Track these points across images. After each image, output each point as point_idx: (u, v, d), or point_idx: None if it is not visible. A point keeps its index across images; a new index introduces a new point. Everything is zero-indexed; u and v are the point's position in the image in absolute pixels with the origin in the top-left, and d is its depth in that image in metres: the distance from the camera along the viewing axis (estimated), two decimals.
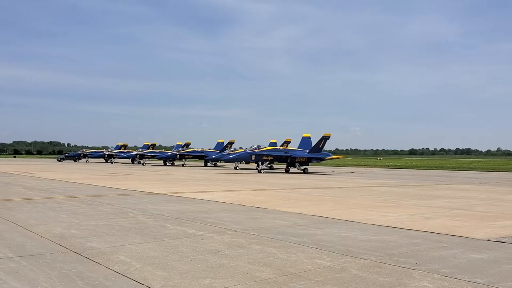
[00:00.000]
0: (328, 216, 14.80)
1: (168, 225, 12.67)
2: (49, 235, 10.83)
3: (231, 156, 56.85)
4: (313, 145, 56.24)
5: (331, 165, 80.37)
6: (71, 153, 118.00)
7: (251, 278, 7.30)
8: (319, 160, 56.96)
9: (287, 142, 67.75)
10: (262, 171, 51.42)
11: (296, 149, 58.05)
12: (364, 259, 8.74)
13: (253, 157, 52.83)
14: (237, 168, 62.19)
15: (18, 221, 12.83)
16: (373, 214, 15.71)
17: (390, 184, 34.14)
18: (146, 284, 6.90)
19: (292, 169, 54.89)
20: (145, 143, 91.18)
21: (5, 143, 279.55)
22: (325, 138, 54.59)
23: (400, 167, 79.96)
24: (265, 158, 53.12)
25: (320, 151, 55.26)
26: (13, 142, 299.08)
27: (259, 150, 53.21)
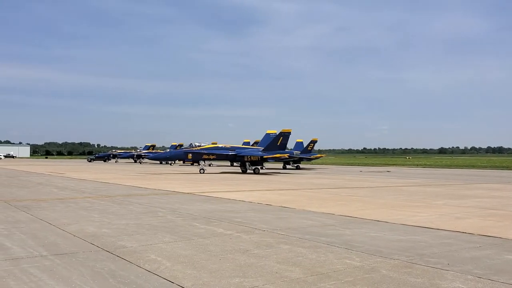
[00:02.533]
0: (357, 216, 14.66)
1: (197, 224, 12.78)
2: (82, 234, 11.07)
3: (163, 155, 55.02)
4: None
5: (319, 163, 79.58)
6: (101, 154, 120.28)
7: (280, 278, 7.30)
8: (276, 159, 53.12)
9: (313, 142, 67.99)
10: (202, 171, 47.50)
11: (247, 147, 54.75)
12: (394, 259, 8.62)
13: (190, 155, 48.86)
14: (171, 164, 59.54)
15: (51, 221, 13.15)
16: (402, 214, 15.49)
17: (419, 183, 33.59)
18: (176, 283, 6.98)
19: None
20: (172, 143, 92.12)
21: (37, 144, 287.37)
22: (283, 135, 51.16)
23: (430, 166, 78.59)
24: (205, 156, 48.60)
25: (283, 149, 51.77)
26: (45, 143, 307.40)
27: (199, 148, 48.79)
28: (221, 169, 60.67)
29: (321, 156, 75.79)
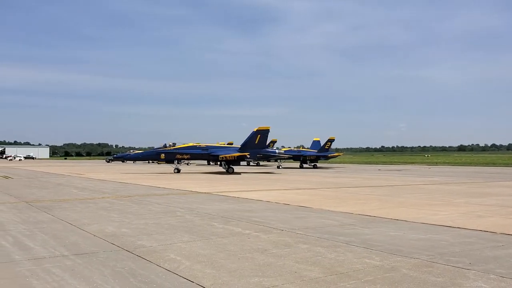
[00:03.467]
0: (375, 215, 14.54)
1: (215, 223, 12.82)
2: (102, 234, 11.19)
3: (135, 155, 54.00)
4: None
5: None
6: (119, 154, 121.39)
7: (299, 277, 7.28)
8: (255, 158, 52.40)
9: (330, 140, 67.65)
10: (176, 170, 47.32)
11: (224, 146, 52.81)
12: (414, 259, 8.53)
13: (163, 155, 48.13)
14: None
15: (72, 221, 13.32)
16: (422, 212, 15.31)
17: (439, 181, 33.18)
18: (196, 282, 7.01)
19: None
20: (189, 144, 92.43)
21: (56, 146, 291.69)
22: (261, 132, 49.03)
23: (449, 164, 77.61)
24: (179, 156, 48.24)
25: (262, 147, 49.53)
26: (64, 144, 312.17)
27: (172, 148, 48.27)
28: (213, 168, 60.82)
29: (339, 155, 75.41)
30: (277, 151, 54.52)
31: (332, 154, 70.17)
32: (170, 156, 48.30)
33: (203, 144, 50.15)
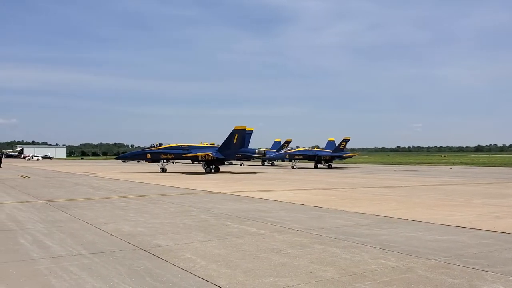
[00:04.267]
0: (391, 216, 14.44)
1: (230, 223, 12.86)
2: (118, 233, 11.31)
3: (125, 155, 55.84)
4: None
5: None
6: (121, 155, 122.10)
7: (314, 278, 7.27)
8: (234, 158, 52.52)
9: (345, 140, 67.15)
10: (162, 170, 48.32)
11: (204, 146, 52.21)
12: (431, 260, 8.46)
13: (149, 155, 49.50)
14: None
15: (89, 220, 13.48)
16: (439, 213, 15.16)
17: (456, 182, 32.81)
18: (212, 282, 7.05)
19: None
20: (204, 144, 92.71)
21: (73, 146, 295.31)
22: (237, 132, 48.01)
23: (466, 165, 76.69)
24: (163, 156, 49.29)
25: (241, 147, 48.72)
26: (80, 144, 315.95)
27: (158, 148, 49.40)
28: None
29: (354, 155, 74.57)
30: (256, 150, 52.87)
31: (347, 154, 69.32)
32: (155, 156, 49.82)
33: (185, 144, 51.12)
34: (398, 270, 7.74)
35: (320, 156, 66.08)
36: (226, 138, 48.57)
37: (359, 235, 11.04)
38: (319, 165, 65.60)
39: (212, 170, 48.72)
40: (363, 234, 11.11)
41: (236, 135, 47.81)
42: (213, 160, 48.59)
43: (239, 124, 48.66)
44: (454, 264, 8.14)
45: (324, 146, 72.72)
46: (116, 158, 66.16)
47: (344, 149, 68.20)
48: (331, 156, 66.12)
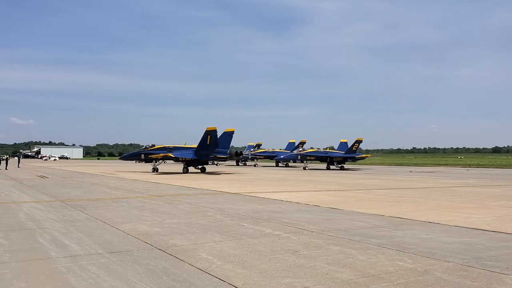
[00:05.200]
0: (408, 218, 14.33)
1: (245, 224, 12.89)
2: (135, 232, 11.41)
3: (125, 156, 57.71)
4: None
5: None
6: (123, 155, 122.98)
7: (330, 279, 7.25)
8: (209, 159, 53.69)
9: (358, 142, 66.08)
10: (153, 169, 50.44)
11: (185, 147, 52.83)
12: (448, 262, 8.37)
13: (142, 156, 52.07)
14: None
15: (106, 220, 13.62)
16: (455, 215, 15.00)
17: (473, 184, 32.41)
18: (228, 282, 7.08)
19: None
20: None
21: (89, 146, 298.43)
22: (210, 133, 49.00)
23: (483, 166, 75.70)
24: (153, 156, 51.04)
25: (215, 147, 49.48)
26: (97, 145, 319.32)
27: (149, 149, 51.86)
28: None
29: (367, 156, 73.24)
30: (227, 151, 52.77)
31: (359, 156, 67.84)
32: (147, 156, 52.30)
33: (171, 146, 52.77)
34: (415, 272, 7.68)
35: (333, 158, 65.36)
36: (201, 139, 49.81)
37: (375, 236, 10.98)
38: (332, 167, 64.98)
39: (189, 171, 50.40)
40: (379, 236, 11.05)
41: (209, 136, 49.04)
42: (191, 161, 50.38)
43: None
44: (472, 266, 8.05)
45: (337, 148, 72.20)
46: (120, 159, 68.56)
47: (357, 151, 67.34)
48: (343, 157, 65.13)
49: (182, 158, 49.96)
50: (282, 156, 69.81)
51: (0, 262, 8.25)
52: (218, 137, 49.54)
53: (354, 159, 67.76)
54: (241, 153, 57.95)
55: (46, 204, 17.84)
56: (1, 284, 6.93)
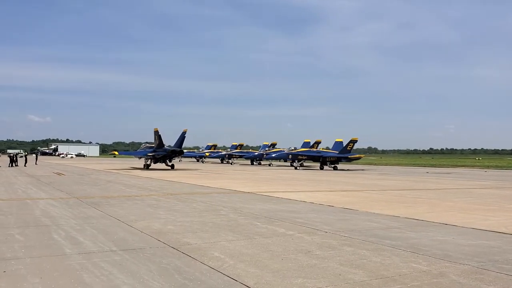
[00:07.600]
0: (423, 219, 14.15)
1: (258, 223, 12.86)
2: (148, 230, 11.46)
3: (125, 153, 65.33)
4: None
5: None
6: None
7: (343, 280, 7.18)
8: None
9: (353, 141, 64.47)
10: (146, 166, 54.16)
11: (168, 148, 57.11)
12: (464, 265, 8.24)
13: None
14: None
15: (120, 217, 13.72)
16: (472, 217, 14.77)
17: (490, 185, 31.91)
18: (240, 281, 7.06)
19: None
20: (233, 143, 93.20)
21: (105, 144, 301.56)
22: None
23: (502, 168, 74.51)
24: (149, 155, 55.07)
25: (160, 147, 54.97)
26: (113, 142, 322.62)
27: (142, 148, 58.25)
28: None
29: (361, 157, 69.80)
30: (185, 151, 58.58)
31: (353, 156, 64.80)
32: (139, 154, 57.85)
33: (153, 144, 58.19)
34: (429, 274, 7.57)
35: (325, 157, 62.53)
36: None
37: (389, 238, 10.86)
38: (325, 167, 61.66)
39: (149, 167, 54.44)
40: (394, 237, 10.93)
41: (156, 136, 55.41)
42: (157, 158, 55.25)
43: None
44: (488, 270, 7.91)
45: (331, 147, 68.86)
46: (126, 154, 74.78)
47: (352, 150, 64.01)
48: (337, 157, 62.06)
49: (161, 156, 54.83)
50: (272, 155, 68.36)
51: (15, 258, 8.35)
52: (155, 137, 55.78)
53: (348, 160, 64.97)
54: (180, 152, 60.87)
55: (61, 201, 18.03)
56: (16, 280, 7.01)
